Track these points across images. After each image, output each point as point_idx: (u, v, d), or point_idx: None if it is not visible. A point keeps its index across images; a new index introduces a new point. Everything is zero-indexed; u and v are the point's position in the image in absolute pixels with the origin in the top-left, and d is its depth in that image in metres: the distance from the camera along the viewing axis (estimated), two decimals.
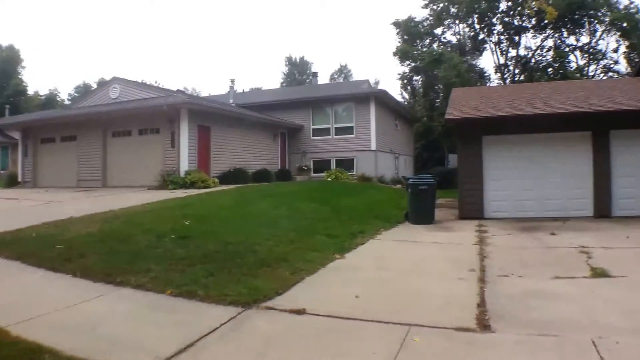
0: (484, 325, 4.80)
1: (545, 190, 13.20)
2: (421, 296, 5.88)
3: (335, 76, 63.59)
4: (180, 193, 14.85)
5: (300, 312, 5.20)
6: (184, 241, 8.20)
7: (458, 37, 42.62)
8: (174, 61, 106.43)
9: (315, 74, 50.39)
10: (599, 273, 6.70)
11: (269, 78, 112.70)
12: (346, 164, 23.87)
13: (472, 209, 13.22)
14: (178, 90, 25.98)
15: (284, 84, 65.16)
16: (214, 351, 4.31)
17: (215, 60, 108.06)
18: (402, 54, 39.84)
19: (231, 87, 31.23)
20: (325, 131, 25.36)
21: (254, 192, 15.47)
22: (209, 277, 6.31)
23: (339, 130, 25.09)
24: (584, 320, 4.89)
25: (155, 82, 57.82)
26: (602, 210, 12.77)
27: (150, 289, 5.97)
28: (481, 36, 42.18)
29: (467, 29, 42.27)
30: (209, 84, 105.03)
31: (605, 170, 12.84)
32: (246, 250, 7.79)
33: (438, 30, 42.38)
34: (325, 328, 4.86)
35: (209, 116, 20.28)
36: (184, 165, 18.18)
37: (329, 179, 21.20)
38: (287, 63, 71.10)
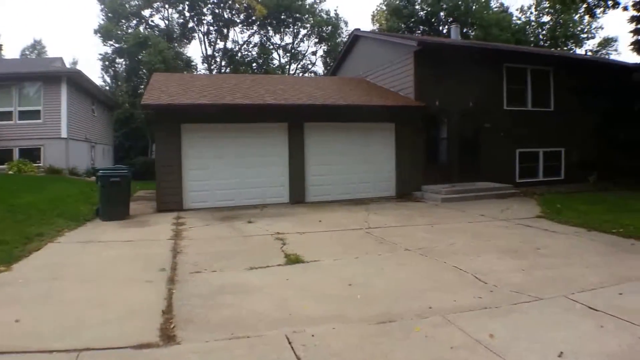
0: (168, 336, 4.17)
1: (245, 179, 13.54)
2: (100, 308, 4.87)
3: (28, 52, 54.13)
4: None
5: None
6: None
7: (167, 22, 41.36)
8: None
9: None
10: (293, 259, 6.91)
11: None
12: (32, 154, 20.06)
13: (171, 201, 12.61)
14: None
15: None
16: None
17: None
18: (105, 33, 36.27)
19: None
20: (7, 115, 20.81)
21: None
22: None
23: (24, 115, 20.81)
24: (278, 314, 4.74)
25: None
26: (298, 196, 13.90)
27: None
28: (191, 24, 41.95)
29: (177, 15, 41.41)
30: None
31: (300, 160, 14.00)
32: None
33: (146, 13, 40.17)
34: None
35: None
36: None
37: (10, 172, 17.47)
38: None
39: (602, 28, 49.08)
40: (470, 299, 5.14)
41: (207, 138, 13.31)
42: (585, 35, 39.32)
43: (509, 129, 16.16)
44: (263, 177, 13.78)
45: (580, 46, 39.56)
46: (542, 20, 40.62)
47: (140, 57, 33.70)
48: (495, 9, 41.53)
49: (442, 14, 40.25)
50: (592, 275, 6.06)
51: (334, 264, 6.79)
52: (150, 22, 40.75)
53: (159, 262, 6.85)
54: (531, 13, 41.42)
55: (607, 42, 39.83)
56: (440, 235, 8.74)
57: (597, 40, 40.66)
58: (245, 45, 44.57)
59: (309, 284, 5.84)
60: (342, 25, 44.40)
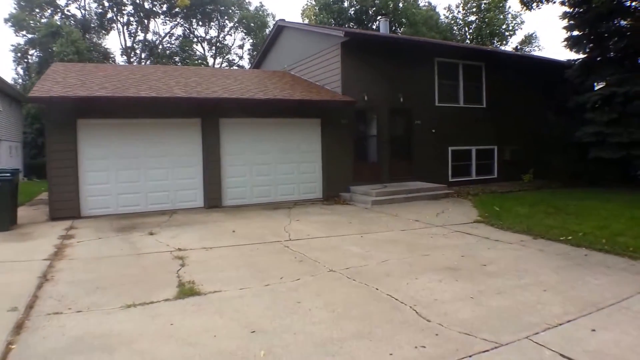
0: None
1: (152, 181, 11.78)
2: None
3: None
4: None
5: None
6: None
7: (84, 12, 37.96)
8: None
9: None
10: (187, 291, 5.30)
11: None
12: None
13: (66, 207, 10.61)
14: None
15: None
16: None
17: None
18: (17, 23, 32.87)
19: None
20: None
21: None
22: None
23: None
24: None
25: None
26: (213, 200, 12.26)
27: None
28: (110, 15, 38.78)
29: (95, 5, 38.09)
30: None
31: (216, 160, 12.34)
32: None
33: (62, 1, 36.69)
34: None
35: None
36: None
37: None
38: None
39: (523, 22, 50.72)
40: (410, 351, 3.79)
41: (108, 135, 11.37)
42: (508, 34, 40.13)
43: (441, 126, 15.32)
44: (173, 180, 12.01)
45: (505, 43, 40.36)
46: (469, 19, 41.07)
47: (53, 48, 30.47)
48: (424, 7, 41.49)
49: (371, 11, 39.62)
50: (553, 302, 4.93)
51: (238, 296, 5.22)
52: (66, 12, 37.34)
53: (14, 295, 5.10)
54: (459, 12, 41.82)
55: (529, 39, 40.94)
56: (371, 248, 7.41)
57: (519, 37, 41.88)
58: (167, 37, 41.95)
59: (199, 332, 4.26)
60: (270, 19, 42.78)
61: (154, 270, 6.38)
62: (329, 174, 13.53)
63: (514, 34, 40.73)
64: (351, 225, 9.44)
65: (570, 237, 7.96)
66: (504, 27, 39.23)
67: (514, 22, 39.77)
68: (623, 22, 14.69)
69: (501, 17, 38.88)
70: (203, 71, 16.88)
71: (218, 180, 12.39)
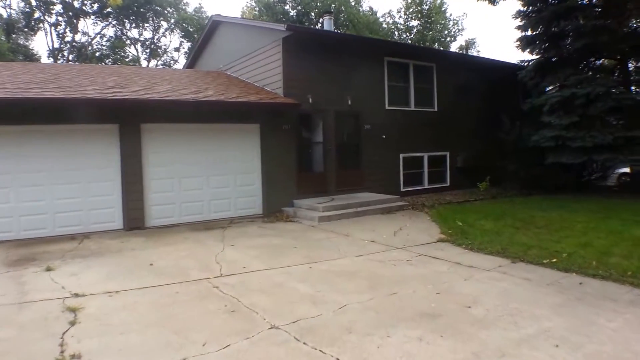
0: None
1: (61, 199, 9.76)
2: None
3: None
4: None
5: None
6: None
7: (10, 11, 34.39)
8: None
9: None
10: None
11: None
12: None
13: None
14: None
15: None
16: None
17: None
18: None
19: None
20: None
21: None
22: None
23: None
24: None
25: None
26: (134, 220, 10.36)
27: None
28: (38, 14, 35.34)
29: (22, 4, 34.56)
30: None
31: (137, 172, 10.45)
32: None
33: None
34: None
35: None
36: None
37: None
38: None
39: (464, 29, 51.21)
40: None
41: (6, 145, 9.25)
42: (450, 39, 40.09)
43: (391, 131, 14.09)
44: (86, 197, 10.01)
45: (447, 48, 40.28)
46: (410, 24, 40.73)
47: None
48: (367, 12, 40.80)
49: (313, 13, 38.46)
50: None
51: None
52: None
53: None
54: (400, 17, 41.41)
55: (469, 44, 41.12)
56: (324, 286, 5.84)
57: (460, 42, 42.08)
58: (98, 38, 38.91)
59: None
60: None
61: (32, 332, 4.55)
62: (269, 186, 11.92)
63: (455, 40, 40.83)
64: (297, 251, 7.85)
65: (554, 260, 6.79)
66: (445, 32, 39.13)
67: (455, 27, 39.84)
68: (582, 21, 14.03)
69: (443, 22, 38.77)
70: (125, 70, 14.81)
71: (140, 196, 10.49)
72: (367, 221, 10.56)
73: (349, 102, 13.12)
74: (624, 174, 18.87)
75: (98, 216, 10.16)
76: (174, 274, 6.50)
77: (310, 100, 12.36)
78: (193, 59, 19.46)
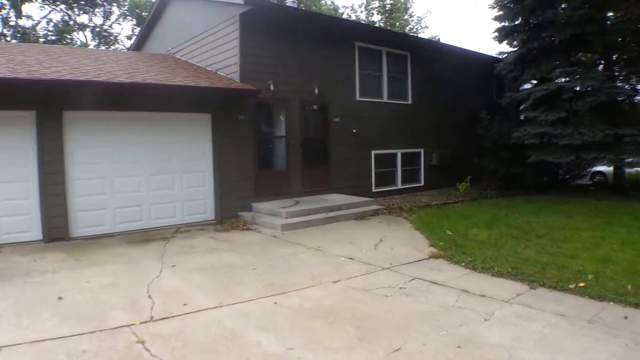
0: None
1: None
2: None
3: None
4: None
5: None
6: None
7: None
8: None
9: None
10: None
11: None
12: None
13: None
14: None
15: None
16: None
17: None
18: None
19: None
20: None
21: None
22: None
23: None
24: None
25: None
26: (57, 230, 8.40)
27: None
28: None
29: None
30: None
31: (58, 171, 8.44)
32: None
33: None
34: None
35: None
36: None
37: None
38: None
39: (427, 27, 50.51)
40: None
41: None
42: (412, 34, 38.98)
43: (363, 125, 12.56)
44: None
45: None
46: (371, 19, 39.32)
47: None
48: (329, 6, 39.14)
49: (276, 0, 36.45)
50: None
51: None
52: None
53: None
54: (361, 12, 39.94)
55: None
56: (296, 339, 4.11)
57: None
58: (44, 24, 35.64)
59: None
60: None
61: None
62: (223, 187, 10.12)
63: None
64: (256, 275, 6.11)
65: (581, 284, 5.38)
66: (408, 28, 37.93)
67: (418, 25, 38.77)
68: (569, 11, 12.80)
69: (407, 17, 37.62)
70: (55, 49, 12.57)
71: (62, 200, 8.48)
72: (339, 229, 8.96)
73: (316, 91, 11.48)
74: (598, 172, 18.14)
75: (10, 225, 8.12)
76: (88, 316, 4.66)
77: (272, 87, 10.65)
78: (139, 43, 17.28)
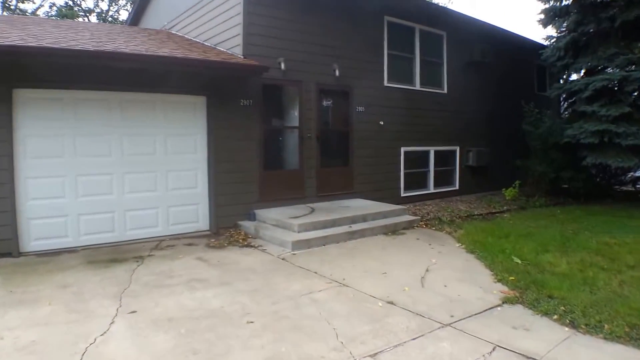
0: None
1: None
2: None
3: None
4: None
5: None
6: None
7: None
8: None
9: None
10: None
11: None
12: None
13: None
14: None
15: None
16: None
17: None
18: None
19: None
20: None
21: None
22: None
23: None
24: None
25: None
26: (3, 243, 6.46)
27: None
28: None
29: None
30: None
31: (5, 167, 6.49)
32: None
33: None
34: None
35: None
36: None
37: None
38: None
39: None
40: None
41: None
42: None
43: (391, 117, 10.47)
44: None
45: None
46: None
47: None
48: None
49: None
50: None
51: None
52: None
53: None
54: None
55: None
56: None
57: None
58: (47, 7, 34.03)
59: None
60: None
61: None
62: (220, 190, 8.08)
63: None
64: (251, 336, 3.98)
65: None
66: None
67: (449, 2, 36.51)
68: None
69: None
70: (24, 19, 10.60)
71: (9, 205, 6.51)
72: (368, 250, 6.89)
73: (337, 73, 9.40)
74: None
75: None
76: None
77: (282, 65, 8.58)
78: (134, 18, 15.33)
